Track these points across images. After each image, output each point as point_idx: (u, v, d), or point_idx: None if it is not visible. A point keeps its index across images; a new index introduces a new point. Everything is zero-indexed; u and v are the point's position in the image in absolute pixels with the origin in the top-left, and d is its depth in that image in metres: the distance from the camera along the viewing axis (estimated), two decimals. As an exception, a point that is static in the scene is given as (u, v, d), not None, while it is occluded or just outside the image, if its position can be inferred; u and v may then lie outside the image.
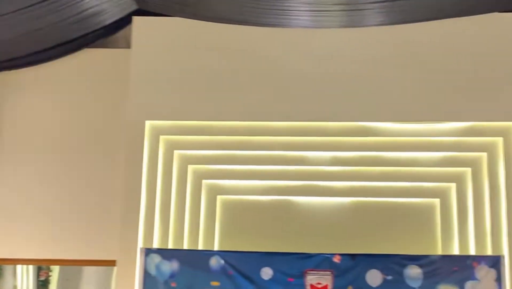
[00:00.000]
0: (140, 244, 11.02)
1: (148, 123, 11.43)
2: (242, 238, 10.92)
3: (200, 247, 10.89)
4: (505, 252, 10.95)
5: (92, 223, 11.72)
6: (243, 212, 11.08)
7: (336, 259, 10.87)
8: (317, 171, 11.35)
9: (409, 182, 11.27)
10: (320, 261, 10.83)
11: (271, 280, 10.86)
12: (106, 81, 11.93)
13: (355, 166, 11.30)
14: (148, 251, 10.90)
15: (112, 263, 11.21)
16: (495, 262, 10.77)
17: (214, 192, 11.40)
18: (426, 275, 10.82)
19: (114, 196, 11.48)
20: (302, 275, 10.82)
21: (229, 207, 11.20)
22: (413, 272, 10.84)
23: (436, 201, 11.29)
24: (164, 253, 10.82)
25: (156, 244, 11.06)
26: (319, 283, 10.99)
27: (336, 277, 10.87)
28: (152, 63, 11.27)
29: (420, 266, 10.84)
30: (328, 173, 11.27)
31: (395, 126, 11.30)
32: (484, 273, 10.77)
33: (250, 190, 11.30)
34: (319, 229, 10.92)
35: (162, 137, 11.47)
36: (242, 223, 11.13)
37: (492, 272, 10.77)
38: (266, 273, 10.86)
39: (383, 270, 10.82)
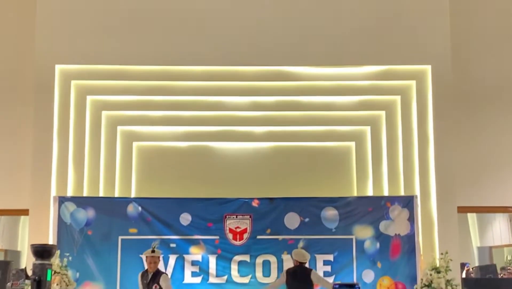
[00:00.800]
0: (53, 192, 10.92)
1: (58, 68, 11.15)
2: (160, 185, 11.13)
3: (117, 195, 11.18)
4: (417, 192, 11.24)
5: (2, 171, 11.46)
6: (161, 159, 11.24)
7: (255, 203, 11.11)
8: (235, 116, 11.35)
9: (326, 126, 11.40)
10: (239, 206, 11.15)
11: (190, 225, 11.06)
12: (12, 24, 11.66)
13: (273, 110, 11.34)
14: (62, 199, 10.92)
15: (24, 212, 11.09)
16: (407, 202, 11.09)
17: (129, 138, 11.33)
18: (342, 216, 11.12)
19: (25, 144, 11.19)
20: (221, 220, 11.07)
21: (145, 154, 11.30)
22: (330, 213, 11.12)
23: (352, 144, 11.51)
24: (79, 201, 10.96)
25: (70, 192, 11.03)
26: (238, 227, 11.18)
27: (254, 220, 11.10)
28: (61, 3, 11.03)
29: (336, 207, 11.11)
30: (246, 118, 11.28)
31: (312, 70, 11.38)
32: (397, 212, 11.10)
33: (167, 136, 11.27)
34: (238, 174, 11.23)
35: (73, 83, 11.21)
36: (159, 169, 11.26)
37: (405, 212, 11.11)
38: (185, 219, 11.06)
39: (301, 213, 11.08)
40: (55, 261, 10.14)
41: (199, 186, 11.17)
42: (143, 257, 10.28)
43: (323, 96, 11.31)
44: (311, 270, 10.21)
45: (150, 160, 11.25)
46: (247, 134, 11.31)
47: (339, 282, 10.37)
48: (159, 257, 10.14)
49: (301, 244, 10.46)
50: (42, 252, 8.82)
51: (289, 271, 10.19)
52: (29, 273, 9.19)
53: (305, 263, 10.22)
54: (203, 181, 11.24)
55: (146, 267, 10.08)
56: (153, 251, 10.02)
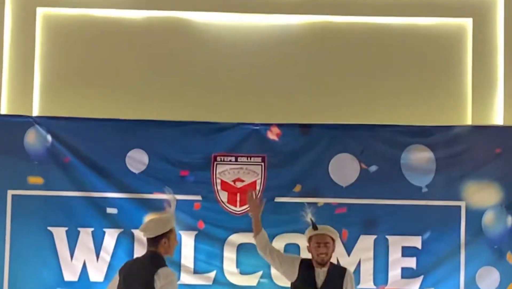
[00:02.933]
0: None
1: None
2: (89, 93, 6.92)
3: (4, 111, 7.09)
4: None
5: None
6: (91, 42, 7.09)
7: (272, 134, 6.65)
8: None
9: None
10: (242, 138, 6.71)
11: (146, 174, 6.65)
12: None
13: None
14: None
15: None
16: None
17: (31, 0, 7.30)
18: (443, 164, 6.54)
19: None
20: (206, 165, 6.66)
21: (61, 31, 7.18)
22: (419, 157, 6.57)
23: (467, 23, 6.98)
24: None
25: None
26: (239, 180, 6.57)
27: (271, 167, 6.61)
28: None
29: (432, 146, 6.56)
30: None
31: None
32: None
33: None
34: (241, 77, 7.05)
35: None
36: (88, 63, 7.05)
37: None
38: (137, 160, 6.68)
39: (363, 155, 6.57)
40: None
41: (164, 97, 6.91)
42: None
43: None
44: (345, 269, 5.90)
45: (69, 43, 7.21)
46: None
47: None
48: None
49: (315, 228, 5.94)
50: None
51: (305, 263, 5.91)
52: None
53: (333, 243, 5.84)
54: (173, 88, 6.97)
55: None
56: None
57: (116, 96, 6.79)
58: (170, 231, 5.56)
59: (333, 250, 5.75)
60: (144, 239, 6.01)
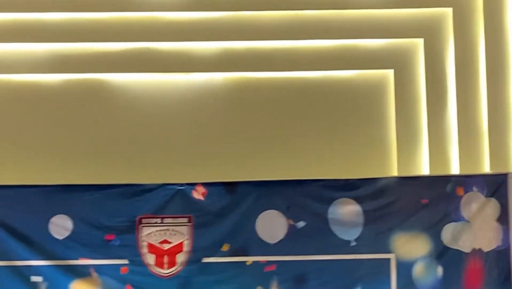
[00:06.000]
0: None
1: None
2: (9, 160, 6.81)
3: None
4: (514, 167, 6.92)
5: None
6: (11, 107, 6.93)
7: (198, 194, 6.53)
8: (160, 20, 6.87)
9: (339, 39, 6.90)
10: (168, 198, 6.56)
11: (70, 239, 6.47)
12: None
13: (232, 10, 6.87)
14: None
15: None
16: (497, 185, 6.48)
17: None
18: (370, 217, 6.49)
19: None
20: (132, 228, 6.49)
21: None
22: (346, 211, 6.50)
23: (388, 73, 7.04)
24: None
25: None
26: (165, 242, 6.45)
27: (198, 227, 6.50)
28: None
29: (358, 199, 6.50)
30: (183, 24, 6.84)
31: None
32: (477, 207, 6.45)
33: (23, 62, 6.90)
34: (166, 136, 6.93)
35: None
36: (7, 129, 6.90)
37: (492, 205, 6.45)
38: (60, 226, 6.47)
39: (289, 211, 6.50)
40: None
41: (87, 160, 6.79)
42: None
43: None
44: None
45: None
46: (183, 57, 6.79)
47: None
48: None
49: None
50: None
51: None
52: None
53: None
54: (96, 150, 6.84)
55: None
56: None
57: (38, 162, 6.64)
58: None
59: None
60: None
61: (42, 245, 6.33)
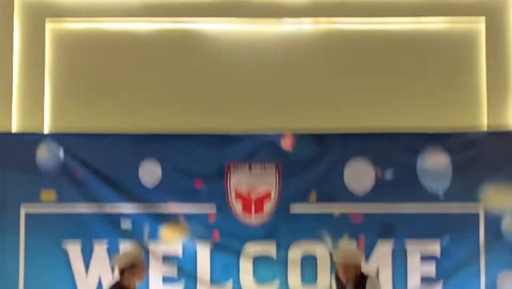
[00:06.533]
0: None
1: None
2: (100, 108, 6.81)
3: (15, 129, 6.91)
4: None
5: None
6: (100, 55, 6.95)
7: (286, 144, 6.58)
8: None
9: None
10: (256, 147, 6.67)
11: (159, 186, 6.63)
12: None
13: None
14: None
15: None
16: None
17: (38, 12, 7.02)
18: (459, 168, 6.44)
19: None
20: (220, 175, 6.65)
21: (70, 44, 7.02)
22: (435, 162, 6.46)
23: (479, 23, 6.79)
24: None
25: None
26: (253, 189, 6.52)
27: (285, 176, 6.58)
28: None
29: (448, 151, 6.44)
30: None
31: None
32: None
33: (112, 9, 6.88)
34: (254, 86, 6.90)
35: None
36: (97, 77, 6.91)
37: None
38: (150, 172, 6.64)
39: (377, 162, 6.54)
40: None
41: (176, 108, 6.79)
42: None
43: None
44: (367, 277, 5.87)
45: (79, 57, 7.03)
46: (273, 3, 6.72)
47: None
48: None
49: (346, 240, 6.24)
50: None
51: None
52: None
53: (357, 266, 5.77)
54: (185, 99, 6.90)
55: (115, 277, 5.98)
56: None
57: (127, 109, 6.72)
58: (134, 266, 5.75)
59: (355, 273, 5.67)
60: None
61: (132, 191, 6.53)
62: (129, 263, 5.68)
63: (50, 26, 6.99)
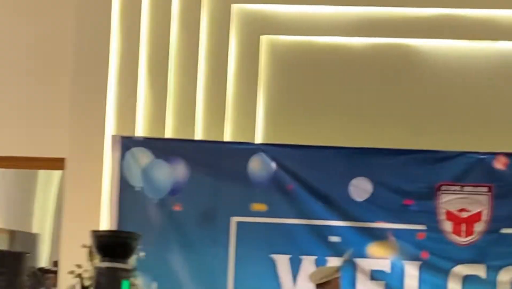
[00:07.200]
0: (111, 130, 7.28)
1: None
2: (311, 121, 6.95)
3: (228, 138, 7.17)
4: None
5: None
6: (313, 69, 7.04)
7: (500, 163, 6.56)
8: None
9: None
10: (467, 167, 6.65)
11: (369, 202, 6.68)
12: None
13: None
14: (127, 142, 7.11)
15: (59, 163, 7.48)
16: None
17: (253, 28, 7.28)
18: None
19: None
20: (431, 194, 6.66)
21: (284, 58, 7.20)
22: None
23: None
24: (159, 146, 7.12)
25: (140, 131, 7.37)
26: (464, 210, 6.52)
27: (498, 197, 6.54)
28: None
29: None
30: None
31: None
32: None
33: (325, 25, 6.98)
34: (462, 101, 6.96)
35: None
36: (311, 90, 7.02)
37: None
38: (360, 188, 6.73)
39: None
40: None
41: (388, 124, 6.85)
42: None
43: None
44: None
45: (293, 70, 7.22)
46: (488, 24, 6.75)
47: None
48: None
49: None
50: (113, 246, 5.18)
51: None
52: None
53: None
54: (397, 115, 6.94)
55: None
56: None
57: (340, 124, 6.83)
58: (327, 283, 5.92)
59: None
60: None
61: (342, 206, 6.60)
62: (322, 279, 5.83)
63: (265, 40, 7.12)
